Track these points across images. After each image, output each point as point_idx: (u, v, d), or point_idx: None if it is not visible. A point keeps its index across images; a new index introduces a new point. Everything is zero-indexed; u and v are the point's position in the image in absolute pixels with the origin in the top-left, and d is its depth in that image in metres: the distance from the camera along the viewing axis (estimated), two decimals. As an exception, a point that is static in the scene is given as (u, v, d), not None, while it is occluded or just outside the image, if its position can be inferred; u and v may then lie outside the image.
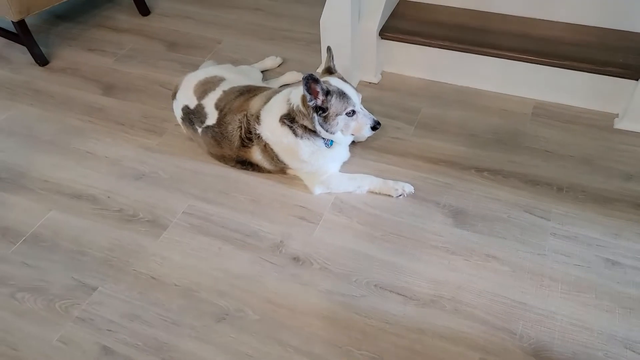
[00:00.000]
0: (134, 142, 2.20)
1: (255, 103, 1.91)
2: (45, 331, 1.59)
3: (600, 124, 2.14)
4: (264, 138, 1.87)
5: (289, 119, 1.81)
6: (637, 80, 2.05)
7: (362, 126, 1.83)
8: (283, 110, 1.83)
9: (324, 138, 1.84)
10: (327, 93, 1.73)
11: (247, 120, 1.88)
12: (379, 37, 2.33)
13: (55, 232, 1.87)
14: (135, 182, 2.03)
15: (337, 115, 1.77)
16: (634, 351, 1.45)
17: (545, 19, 2.33)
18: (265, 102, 1.89)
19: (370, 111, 1.86)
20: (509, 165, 2.00)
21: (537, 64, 2.17)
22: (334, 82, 1.78)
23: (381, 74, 2.46)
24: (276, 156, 1.90)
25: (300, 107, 1.78)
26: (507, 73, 2.25)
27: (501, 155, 2.05)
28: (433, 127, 2.19)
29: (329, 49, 1.88)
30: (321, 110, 1.76)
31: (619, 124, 2.12)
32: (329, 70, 1.87)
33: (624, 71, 2.07)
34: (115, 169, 2.09)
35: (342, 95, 1.76)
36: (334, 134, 1.82)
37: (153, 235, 1.84)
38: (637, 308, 1.54)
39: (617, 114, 2.17)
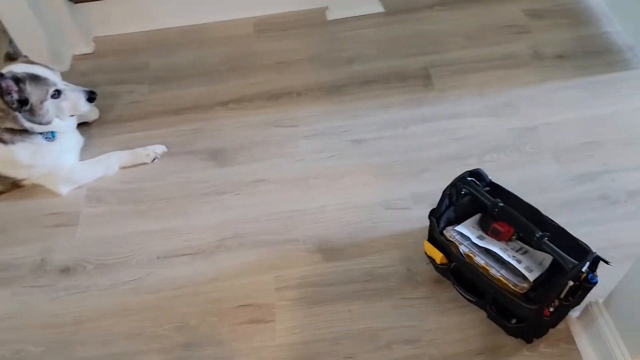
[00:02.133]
0: None
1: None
2: None
3: (316, 21, 2.25)
4: (-34, 160, 1.58)
5: (-14, 128, 1.55)
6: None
7: (76, 103, 1.65)
8: (-27, 121, 1.55)
9: (41, 133, 1.63)
10: (18, 82, 1.50)
11: (-64, 146, 1.56)
12: (70, 2, 2.08)
13: None
14: None
15: (42, 102, 1.56)
16: (392, 208, 1.62)
17: None
18: (-53, 119, 1.58)
19: (95, 84, 1.68)
20: (249, 89, 2.01)
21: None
22: (19, 68, 1.55)
23: (93, 41, 2.23)
24: (-5, 174, 1.63)
25: (-6, 110, 1.53)
26: (219, -1, 2.21)
27: (239, 81, 2.04)
28: (166, 77, 2.08)
29: (3, 31, 1.62)
30: (23, 104, 1.53)
31: (331, 15, 2.25)
32: (10, 57, 1.62)
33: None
34: None
35: (36, 78, 1.55)
36: (50, 123, 1.61)
37: None
38: (385, 173, 1.72)
39: (327, 7, 2.29)
